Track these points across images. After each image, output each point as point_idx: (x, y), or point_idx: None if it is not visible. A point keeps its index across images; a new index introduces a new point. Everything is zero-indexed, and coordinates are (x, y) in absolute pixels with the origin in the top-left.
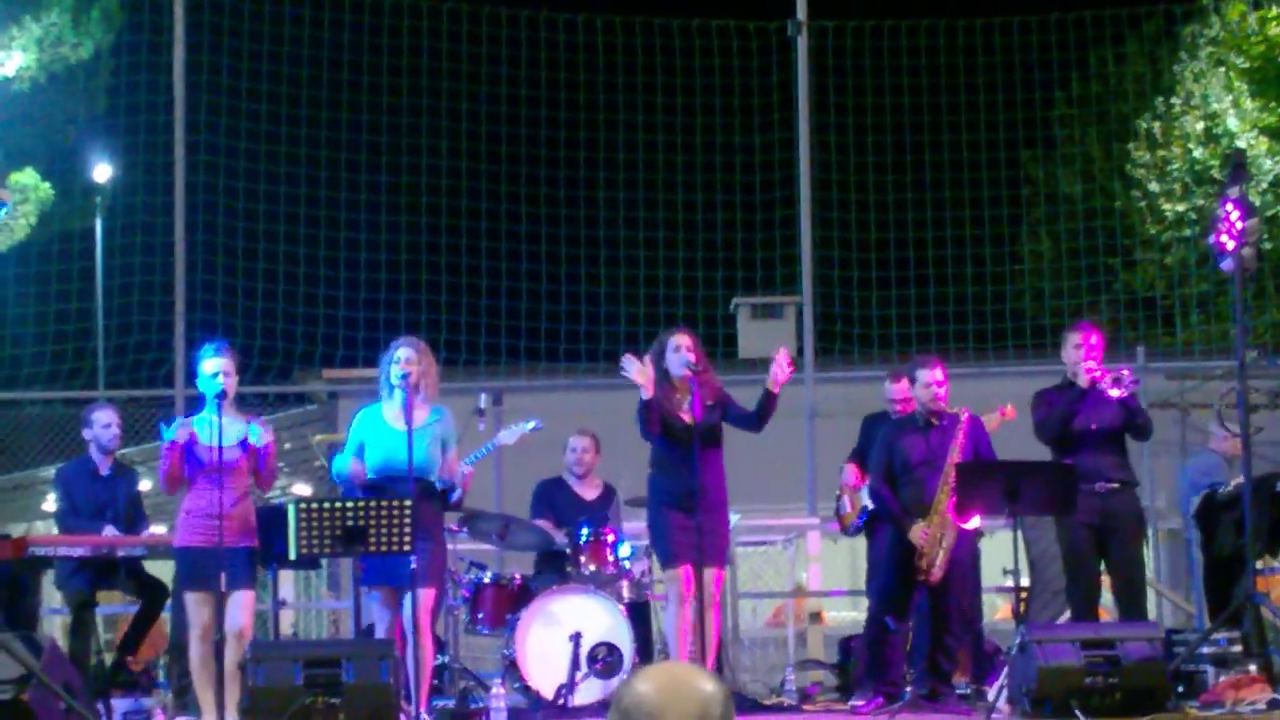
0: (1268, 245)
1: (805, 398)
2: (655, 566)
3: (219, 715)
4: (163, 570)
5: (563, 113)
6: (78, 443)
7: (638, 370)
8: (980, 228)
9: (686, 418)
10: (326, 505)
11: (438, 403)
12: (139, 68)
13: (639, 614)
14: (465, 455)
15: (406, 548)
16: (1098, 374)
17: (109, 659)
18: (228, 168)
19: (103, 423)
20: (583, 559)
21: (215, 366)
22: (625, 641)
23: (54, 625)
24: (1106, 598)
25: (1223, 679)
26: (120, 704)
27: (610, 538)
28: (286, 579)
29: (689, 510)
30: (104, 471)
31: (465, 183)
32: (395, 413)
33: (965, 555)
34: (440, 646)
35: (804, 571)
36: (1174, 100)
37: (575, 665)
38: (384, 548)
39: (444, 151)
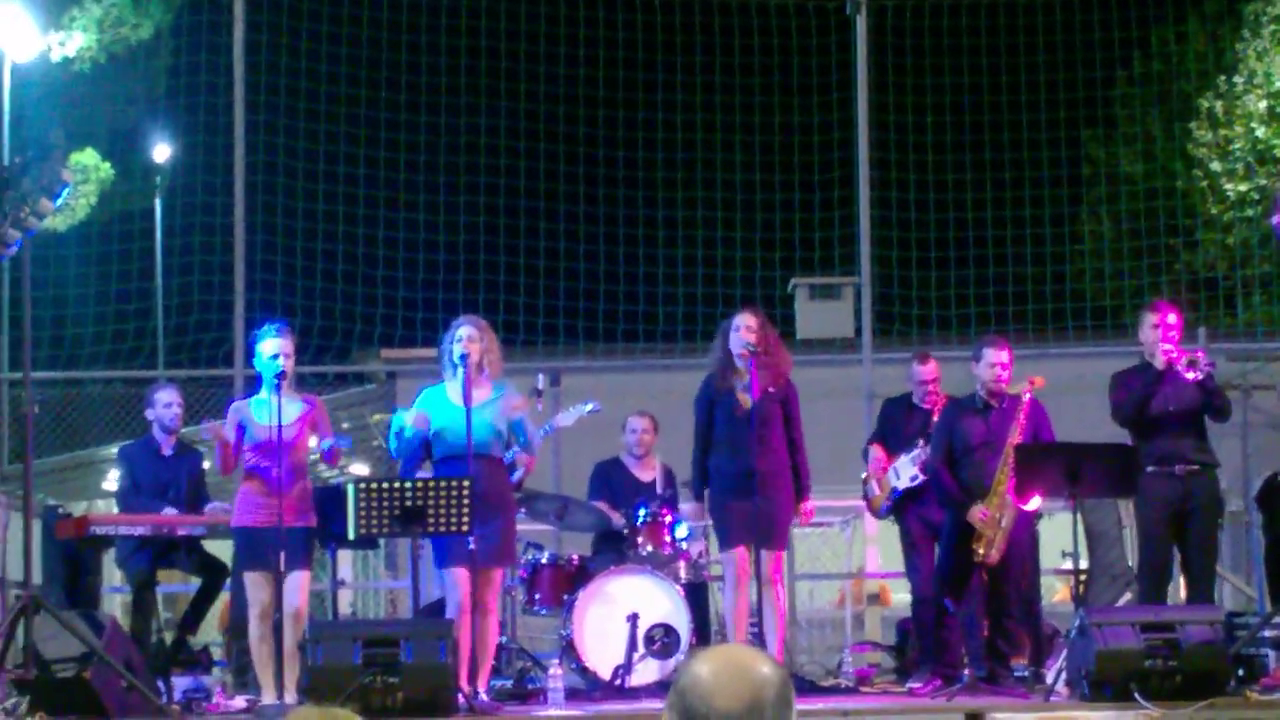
0: None
1: (863, 378)
2: (713, 547)
3: (278, 694)
4: (223, 549)
5: (622, 92)
6: (138, 421)
7: None
8: (1040, 208)
9: (744, 399)
10: (385, 485)
11: (500, 380)
12: (199, 48)
13: (696, 595)
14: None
15: (465, 528)
16: (1174, 355)
17: (169, 637)
18: (287, 147)
19: (165, 402)
20: (640, 540)
21: (274, 348)
22: (682, 622)
23: (115, 604)
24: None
25: None
26: (180, 682)
27: (668, 518)
28: (345, 559)
29: (746, 492)
30: (167, 451)
31: (524, 162)
32: (458, 391)
33: (1024, 537)
34: (499, 626)
35: (861, 553)
36: (1236, 79)
37: (632, 646)
38: (443, 528)
39: (503, 131)
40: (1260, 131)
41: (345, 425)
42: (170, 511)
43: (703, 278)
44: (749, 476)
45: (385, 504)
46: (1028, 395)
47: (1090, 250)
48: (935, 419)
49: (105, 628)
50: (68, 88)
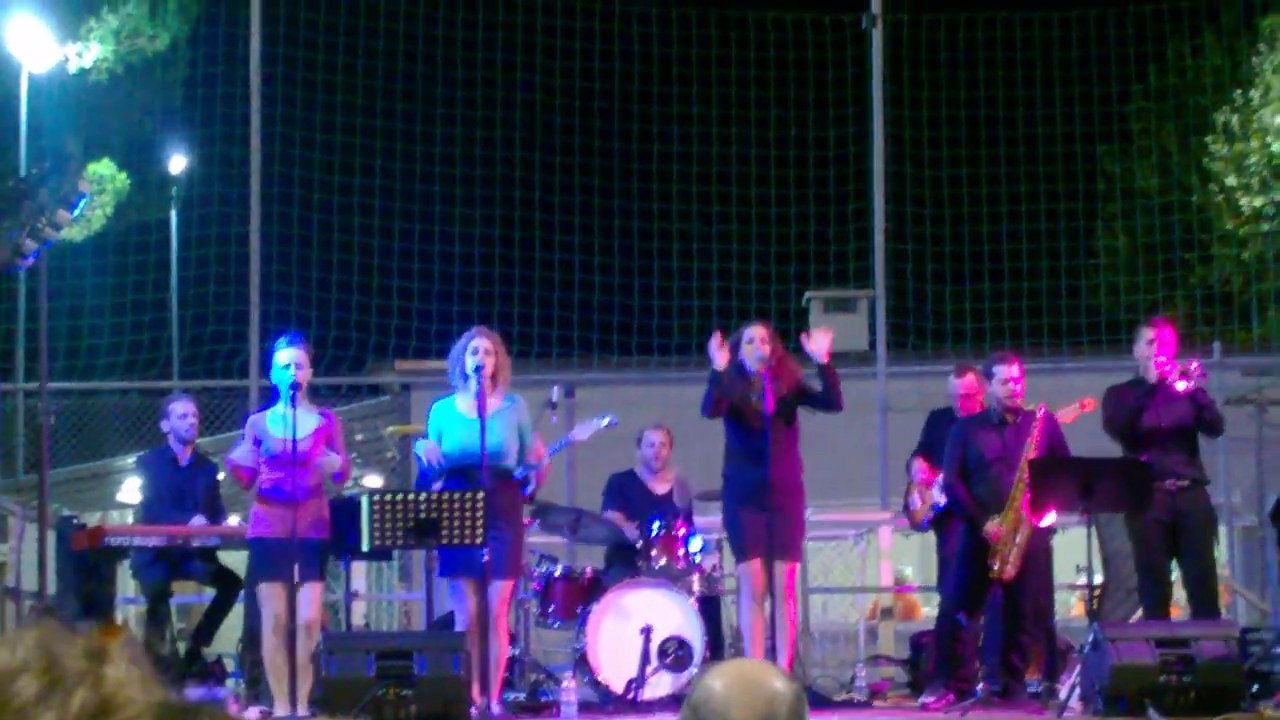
0: None
1: (877, 392)
2: (727, 560)
3: (291, 705)
4: (236, 560)
5: (637, 105)
6: (153, 431)
7: (717, 343)
8: (1055, 222)
9: (758, 410)
10: (399, 497)
11: (509, 391)
12: (215, 59)
13: (710, 608)
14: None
15: (479, 540)
16: (1167, 369)
17: (183, 648)
18: (302, 159)
19: (179, 413)
20: (654, 553)
21: (289, 358)
22: (696, 636)
23: (129, 614)
24: (1179, 595)
25: None
26: (194, 693)
27: (681, 531)
28: (359, 570)
29: (761, 504)
30: (183, 462)
31: (538, 174)
32: (469, 403)
33: (1039, 552)
34: (511, 639)
35: (876, 567)
36: (1252, 93)
37: (645, 659)
38: (456, 539)
39: (517, 143)
40: (1276, 146)
41: (359, 437)
42: (198, 520)
43: (717, 290)
44: (763, 488)
45: (399, 516)
46: (1042, 411)
47: (1105, 265)
48: None
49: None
50: (84, 98)
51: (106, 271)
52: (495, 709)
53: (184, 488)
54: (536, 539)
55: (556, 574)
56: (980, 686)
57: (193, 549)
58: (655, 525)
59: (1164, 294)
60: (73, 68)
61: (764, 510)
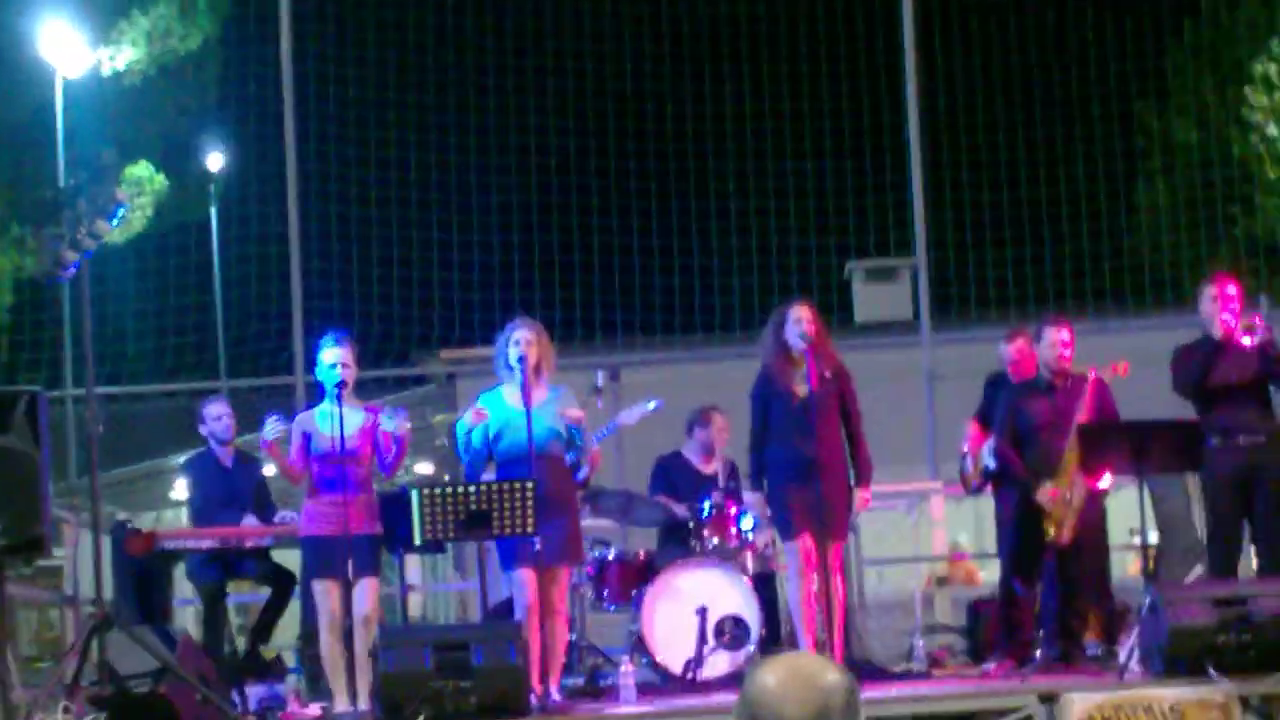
0: None
1: (923, 360)
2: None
3: (351, 701)
4: (290, 557)
5: (672, 84)
6: (201, 433)
7: None
8: (1095, 182)
9: (801, 390)
10: (449, 490)
11: (555, 381)
12: (247, 57)
13: (765, 585)
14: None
15: (530, 529)
16: (1232, 324)
17: (242, 646)
18: (338, 153)
19: (213, 415)
20: (706, 532)
21: (334, 357)
22: (752, 614)
23: (186, 616)
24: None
25: None
26: (254, 691)
27: (733, 510)
28: (413, 562)
29: (807, 480)
30: (227, 463)
31: (575, 158)
32: (515, 394)
33: (1094, 515)
34: (569, 624)
35: (929, 535)
36: None
37: (702, 639)
38: (508, 530)
39: (553, 128)
40: None
41: (408, 426)
42: (250, 520)
43: (758, 266)
44: (809, 466)
45: (450, 508)
46: (1093, 374)
47: (1148, 222)
48: None
49: (178, 641)
50: (119, 101)
51: (149, 274)
52: (555, 696)
53: (232, 489)
54: (588, 523)
55: (610, 557)
56: (1039, 652)
57: (246, 549)
58: (706, 505)
59: (1208, 249)
60: (106, 71)
61: (811, 488)
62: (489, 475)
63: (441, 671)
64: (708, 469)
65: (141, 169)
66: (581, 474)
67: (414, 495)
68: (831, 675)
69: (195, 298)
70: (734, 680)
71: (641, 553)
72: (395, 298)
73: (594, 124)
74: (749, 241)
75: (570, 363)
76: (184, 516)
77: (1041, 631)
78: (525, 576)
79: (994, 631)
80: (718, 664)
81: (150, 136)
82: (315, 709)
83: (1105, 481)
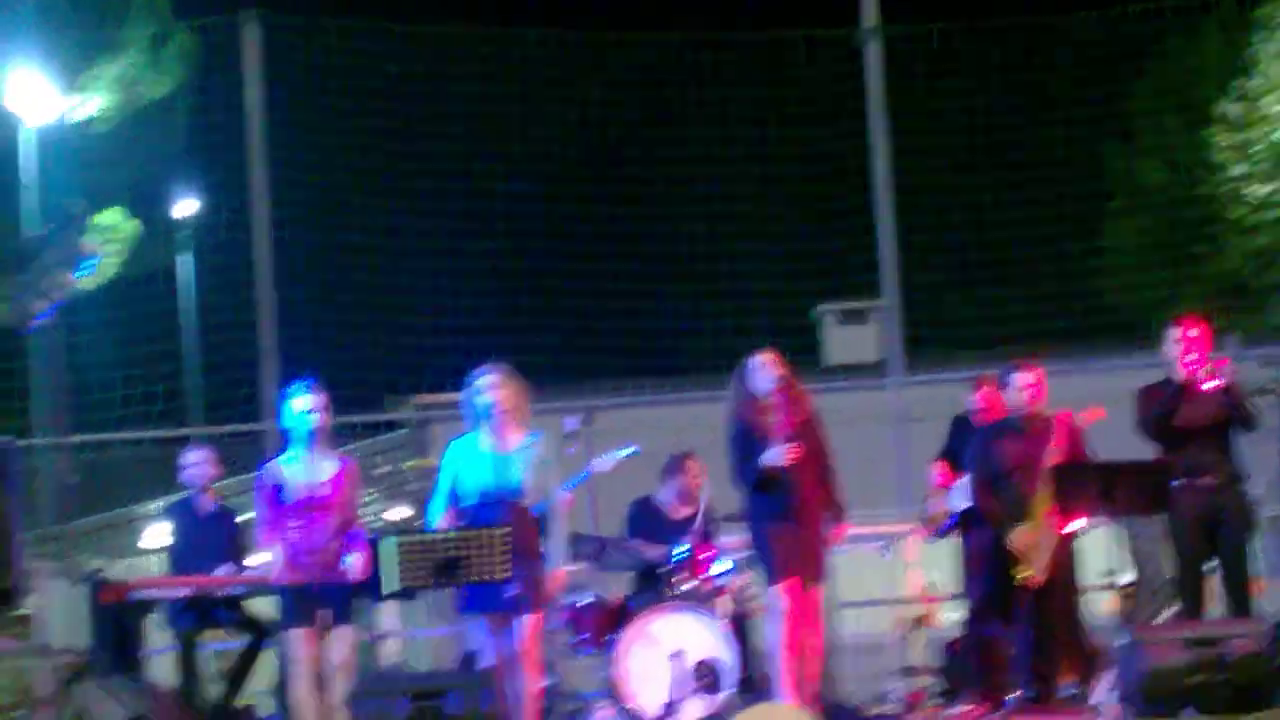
0: None
1: (893, 401)
2: (755, 579)
3: None
4: (267, 605)
5: (642, 129)
6: (172, 479)
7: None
8: (1063, 223)
9: (775, 436)
10: (422, 538)
11: (531, 427)
12: (215, 105)
13: (740, 629)
14: (562, 481)
15: (505, 574)
16: (1195, 367)
17: (216, 694)
18: (309, 200)
19: (188, 463)
20: (679, 576)
21: (305, 405)
22: (728, 657)
23: (161, 665)
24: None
25: None
26: None
27: (705, 555)
28: (389, 608)
29: (790, 525)
30: (203, 511)
31: (546, 204)
32: (489, 440)
33: (1063, 557)
34: (543, 670)
35: (903, 576)
36: (1253, 82)
37: (678, 684)
38: (482, 576)
39: (523, 173)
40: (1279, 133)
41: (381, 471)
42: (227, 569)
43: (730, 309)
44: (790, 510)
45: (423, 556)
46: (1062, 417)
47: (1115, 263)
48: None
49: (153, 692)
50: (88, 148)
51: (118, 321)
52: None
53: (207, 537)
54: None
55: (585, 602)
56: (1014, 694)
57: (219, 598)
58: (680, 549)
59: (1175, 288)
60: (75, 118)
61: (793, 531)
62: (459, 521)
63: None
64: (679, 514)
65: (111, 216)
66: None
67: (385, 544)
68: None
69: (164, 345)
70: None
71: (617, 597)
72: (367, 343)
73: (566, 172)
74: (718, 285)
75: (543, 407)
76: (154, 564)
77: (1016, 673)
78: (492, 623)
79: (968, 673)
80: (693, 709)
81: (120, 183)
82: None
83: (1075, 525)
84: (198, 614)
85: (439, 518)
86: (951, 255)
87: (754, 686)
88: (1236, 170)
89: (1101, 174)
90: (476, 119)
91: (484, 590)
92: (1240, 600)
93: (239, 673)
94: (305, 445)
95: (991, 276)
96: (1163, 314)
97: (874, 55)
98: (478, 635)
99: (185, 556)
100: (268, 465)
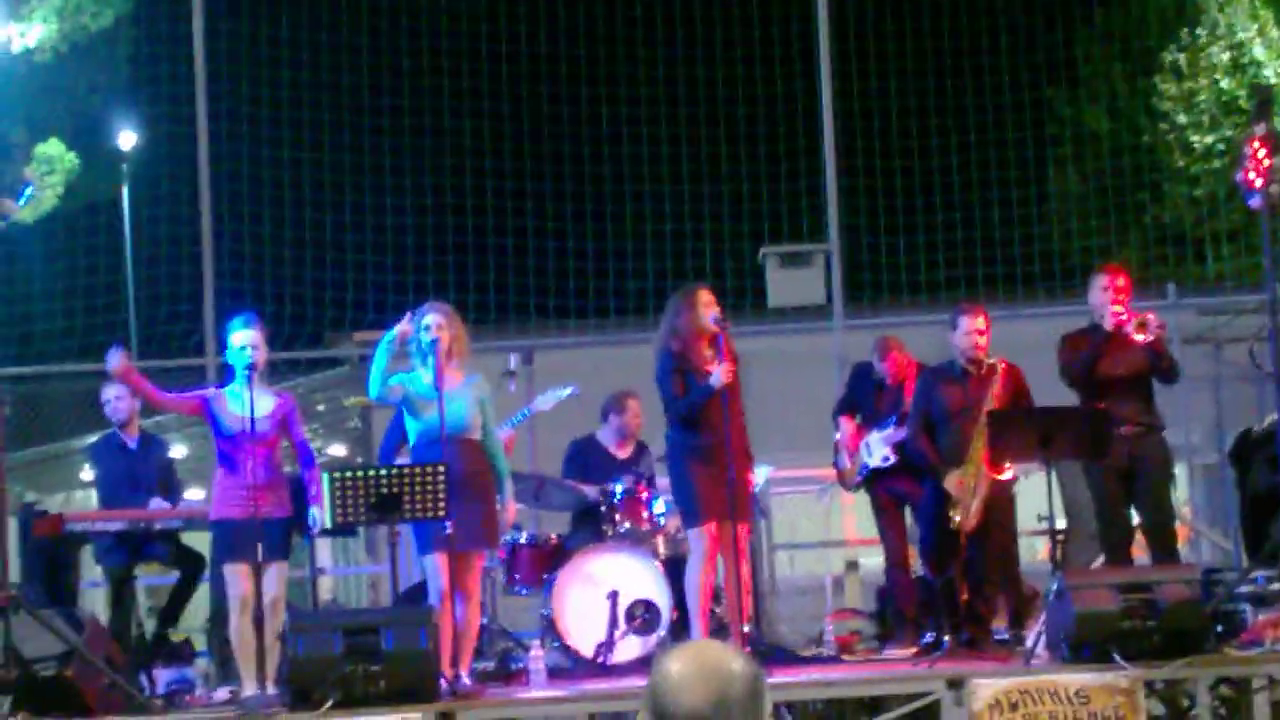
0: None
1: (834, 345)
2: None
3: (260, 685)
4: (200, 540)
5: (586, 68)
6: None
7: (728, 368)
8: (1006, 168)
9: (713, 372)
10: (360, 474)
11: (470, 368)
12: (159, 35)
13: (675, 569)
14: (502, 419)
15: (442, 513)
16: (1124, 318)
17: (150, 629)
18: (251, 134)
19: (108, 398)
20: (618, 516)
21: (245, 339)
22: (663, 598)
23: (95, 599)
24: (1140, 538)
25: (1261, 617)
26: (163, 675)
27: (644, 494)
28: (324, 545)
29: (720, 465)
30: (130, 444)
31: (488, 140)
32: (428, 378)
33: (1001, 501)
34: (481, 608)
35: (840, 520)
36: (1199, 31)
37: (613, 623)
38: (419, 514)
39: (466, 110)
40: (1225, 83)
41: (321, 408)
42: (158, 503)
43: (672, 251)
44: (721, 449)
45: (360, 492)
46: (1003, 363)
47: (1059, 209)
48: (907, 397)
49: (85, 625)
50: (30, 79)
51: (58, 253)
52: (465, 680)
53: (136, 470)
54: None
55: (521, 541)
56: (947, 637)
57: (154, 531)
58: (618, 489)
59: (1117, 235)
60: (16, 48)
61: (722, 472)
62: (403, 459)
63: (351, 656)
64: (622, 454)
65: (52, 147)
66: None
67: (324, 479)
68: (735, 664)
69: (105, 278)
70: (645, 664)
71: (553, 536)
72: (308, 280)
73: (507, 108)
74: (662, 226)
75: (483, 346)
76: (94, 498)
77: (949, 616)
78: (439, 561)
79: (895, 616)
80: (629, 648)
81: (61, 114)
82: (224, 693)
83: (1007, 473)
84: (130, 548)
85: (401, 452)
86: (895, 199)
87: (689, 627)
88: (1181, 119)
89: (1046, 119)
90: (417, 52)
91: (427, 527)
92: (1164, 546)
93: (173, 607)
94: (244, 380)
95: (935, 221)
96: (1104, 261)
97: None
98: (419, 571)
99: (115, 491)
100: (211, 389)
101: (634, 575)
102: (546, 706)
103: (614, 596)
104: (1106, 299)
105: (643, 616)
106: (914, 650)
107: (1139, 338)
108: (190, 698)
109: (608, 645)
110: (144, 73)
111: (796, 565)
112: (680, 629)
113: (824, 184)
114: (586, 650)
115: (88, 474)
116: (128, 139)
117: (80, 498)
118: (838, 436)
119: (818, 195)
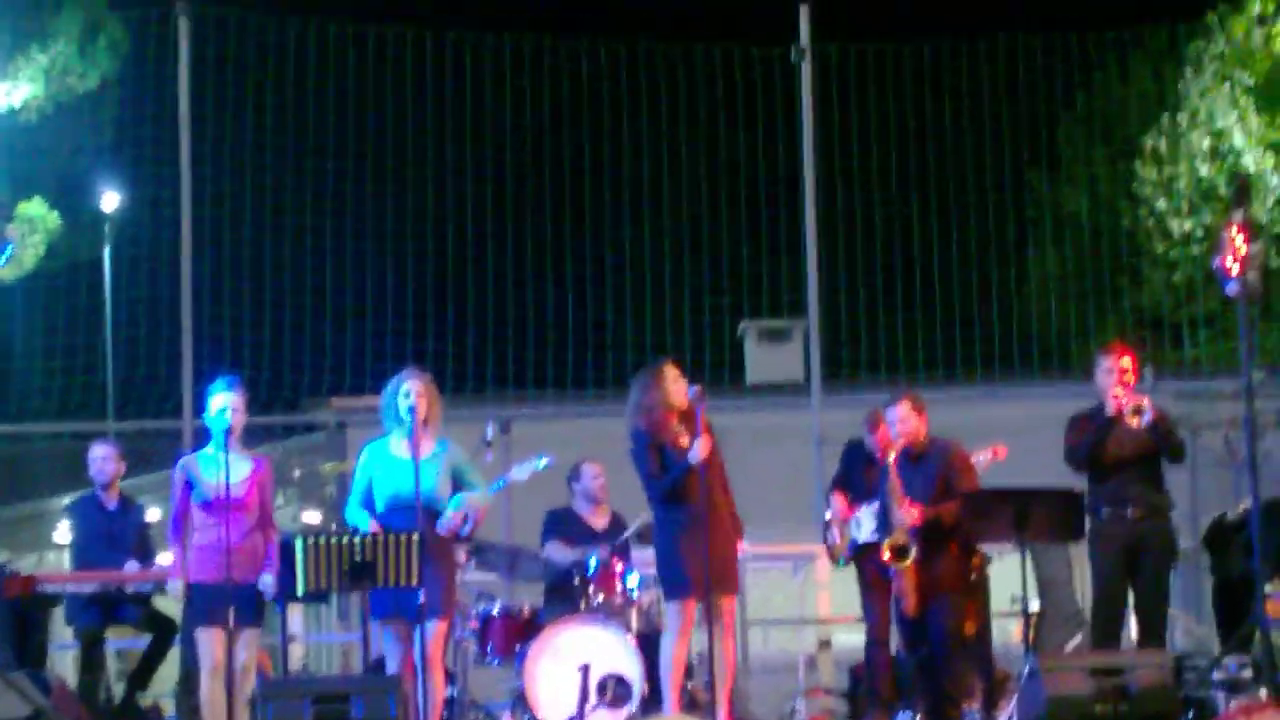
0: (1276, 263)
1: (812, 422)
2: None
3: None
4: (172, 604)
5: (568, 140)
6: (87, 475)
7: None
8: (987, 249)
9: (687, 445)
10: (334, 540)
11: (442, 434)
12: (145, 98)
13: (649, 644)
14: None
15: (414, 581)
16: (1122, 403)
17: (119, 693)
18: (234, 196)
19: (95, 457)
20: (591, 589)
21: (224, 401)
22: (635, 672)
23: (64, 661)
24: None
25: (1234, 704)
26: None
27: (619, 567)
28: (296, 612)
29: (700, 539)
30: (110, 506)
31: (470, 210)
32: (403, 445)
33: (948, 580)
34: (450, 679)
35: (814, 597)
36: (1180, 117)
37: (584, 697)
38: (392, 581)
39: (449, 179)
40: (1204, 169)
41: (296, 473)
42: (132, 565)
43: (651, 324)
44: (702, 521)
45: (334, 558)
46: (937, 445)
47: (1038, 290)
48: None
49: (53, 688)
50: (14, 138)
51: (38, 312)
52: None
53: (114, 532)
54: (474, 577)
55: (494, 612)
56: (919, 717)
57: (126, 594)
58: (593, 561)
59: (1096, 318)
60: (1, 108)
61: (705, 544)
62: (372, 526)
63: None
64: (598, 523)
65: (35, 206)
66: (467, 527)
67: (298, 544)
68: None
69: (85, 338)
70: None
71: (526, 608)
72: (286, 344)
73: (490, 177)
74: (642, 298)
75: (460, 414)
76: (66, 560)
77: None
78: (398, 630)
79: (869, 693)
80: None
81: (45, 174)
82: None
83: (904, 561)
84: (101, 610)
85: (361, 520)
86: (875, 277)
87: (661, 702)
88: (1160, 204)
89: (1026, 201)
90: (401, 121)
91: (389, 595)
92: (1153, 631)
93: (143, 671)
94: (221, 444)
95: (914, 299)
96: (1083, 343)
97: (806, 75)
98: (385, 641)
99: (89, 552)
100: (183, 459)
101: (606, 649)
102: None
103: (585, 670)
104: (1110, 381)
105: (615, 691)
106: None
107: (1133, 423)
108: None
109: (578, 719)
110: (128, 134)
111: (770, 642)
112: (652, 704)
113: (804, 259)
114: None
115: (62, 535)
116: (110, 200)
117: (53, 559)
118: (829, 513)
119: (798, 270)
